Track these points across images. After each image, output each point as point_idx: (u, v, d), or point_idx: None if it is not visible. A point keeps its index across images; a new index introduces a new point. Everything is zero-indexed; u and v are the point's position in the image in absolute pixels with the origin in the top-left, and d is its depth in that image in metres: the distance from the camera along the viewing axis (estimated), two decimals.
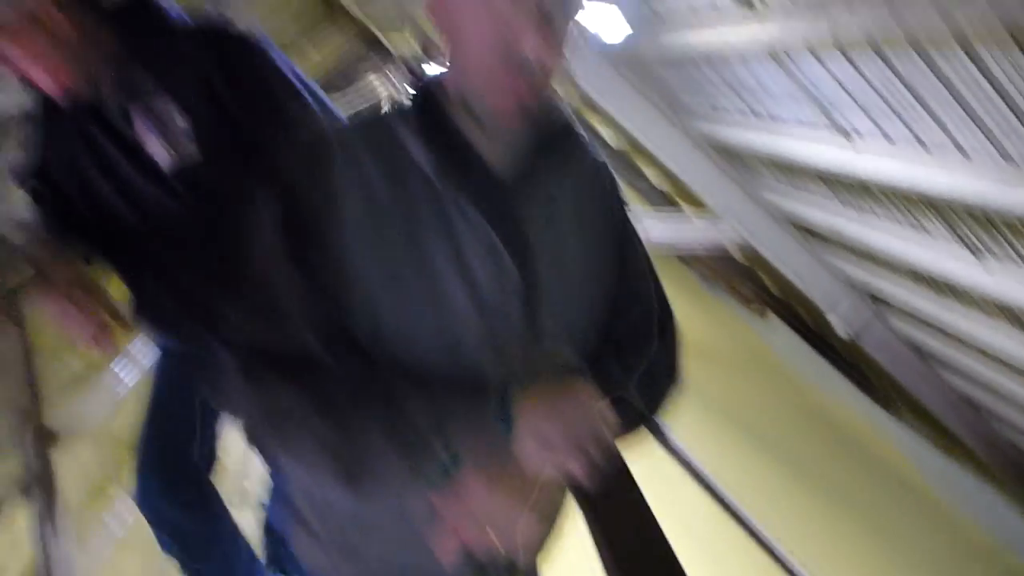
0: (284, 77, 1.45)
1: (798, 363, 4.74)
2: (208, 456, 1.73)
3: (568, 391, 0.80)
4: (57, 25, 1.26)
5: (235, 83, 1.39)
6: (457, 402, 0.79)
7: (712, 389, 3.96)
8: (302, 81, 1.49)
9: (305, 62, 6.29)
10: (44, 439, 1.46)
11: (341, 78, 8.91)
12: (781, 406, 4.72)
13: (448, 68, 0.84)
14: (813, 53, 2.10)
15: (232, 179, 1.43)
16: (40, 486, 1.46)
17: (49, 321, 1.32)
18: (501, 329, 0.84)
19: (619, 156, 4.91)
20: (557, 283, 0.87)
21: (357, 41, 7.80)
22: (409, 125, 0.82)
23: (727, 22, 2.30)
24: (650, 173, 4.80)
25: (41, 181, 1.49)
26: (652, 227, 3.24)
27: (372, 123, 0.86)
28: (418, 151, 0.81)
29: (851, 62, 1.99)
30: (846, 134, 2.31)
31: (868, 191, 2.55)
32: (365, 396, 0.78)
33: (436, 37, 0.83)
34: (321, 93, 1.52)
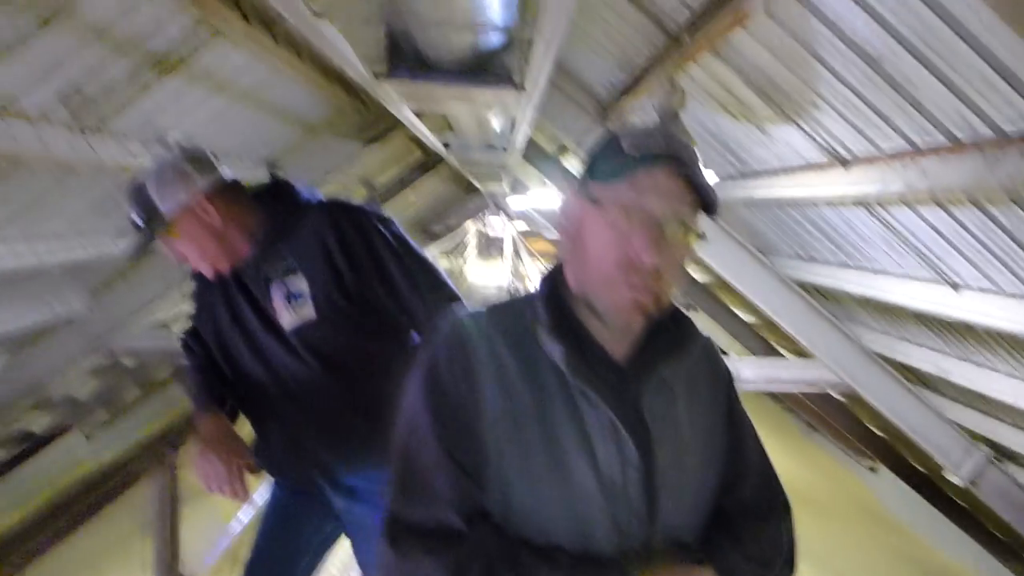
0: (389, 244, 1.55)
1: (911, 515, 4.36)
2: None
3: None
4: (209, 216, 1.43)
5: (347, 249, 1.51)
6: None
7: (818, 545, 3.68)
8: (408, 247, 1.59)
9: (403, 204, 6.72)
10: None
11: (438, 222, 9.40)
12: (894, 563, 4.32)
13: (570, 268, 0.91)
14: (908, 205, 2.12)
15: (344, 338, 1.54)
16: None
17: (190, 469, 1.39)
18: (622, 506, 0.86)
19: (707, 293, 4.91)
20: (673, 459, 0.90)
21: (453, 186, 8.30)
22: (538, 316, 0.89)
23: (819, 176, 2.36)
24: (740, 311, 4.76)
25: (190, 336, 1.66)
26: (746, 369, 3.18)
27: (506, 311, 0.93)
28: (548, 342, 0.87)
29: (947, 212, 2.00)
30: (954, 285, 2.26)
31: (976, 336, 2.46)
32: (498, 570, 0.81)
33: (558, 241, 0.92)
34: (431, 261, 1.62)
